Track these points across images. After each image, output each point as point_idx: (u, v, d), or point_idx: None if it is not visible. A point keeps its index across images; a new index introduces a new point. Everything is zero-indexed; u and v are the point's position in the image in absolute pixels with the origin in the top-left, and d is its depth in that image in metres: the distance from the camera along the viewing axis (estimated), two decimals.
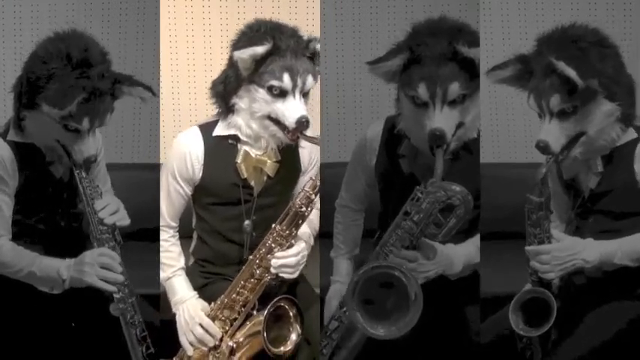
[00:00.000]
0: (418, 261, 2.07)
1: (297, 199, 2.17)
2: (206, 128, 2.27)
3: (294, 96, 2.15)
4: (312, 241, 2.34)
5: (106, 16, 3.43)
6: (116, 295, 2.07)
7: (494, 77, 2.09)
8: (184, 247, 2.39)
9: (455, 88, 2.04)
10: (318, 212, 2.41)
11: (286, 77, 2.13)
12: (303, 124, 2.11)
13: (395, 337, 1.98)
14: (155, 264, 2.34)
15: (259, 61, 2.14)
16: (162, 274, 2.33)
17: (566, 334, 2.07)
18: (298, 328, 2.19)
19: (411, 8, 3.44)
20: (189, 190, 2.29)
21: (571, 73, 1.94)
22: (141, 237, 2.61)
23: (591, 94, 1.99)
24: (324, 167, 2.38)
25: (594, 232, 2.09)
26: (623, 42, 3.42)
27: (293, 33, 2.18)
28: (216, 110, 2.27)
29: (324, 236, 2.52)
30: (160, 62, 3.19)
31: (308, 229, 2.31)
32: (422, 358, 2.20)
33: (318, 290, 2.45)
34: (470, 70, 2.05)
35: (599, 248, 2.03)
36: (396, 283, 1.99)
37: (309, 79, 2.17)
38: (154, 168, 3.04)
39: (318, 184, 2.16)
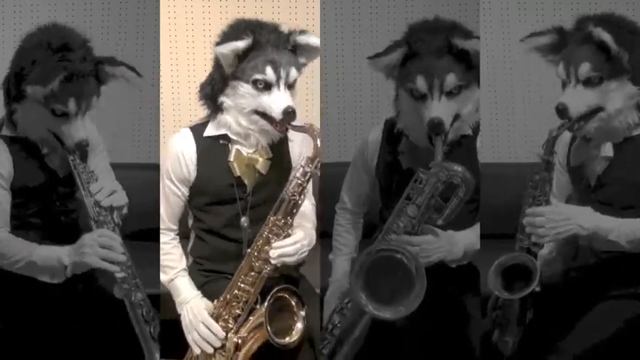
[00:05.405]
0: (421, 246, 2.08)
1: (290, 187, 2.17)
2: (197, 129, 2.29)
3: (278, 88, 2.17)
4: (313, 235, 2.33)
5: (106, 16, 3.43)
6: (119, 275, 2.07)
7: (530, 44, 2.15)
8: (183, 247, 2.40)
9: (452, 79, 2.10)
10: (314, 207, 2.43)
11: (269, 70, 2.16)
12: (289, 114, 2.14)
13: (403, 315, 2.00)
14: (156, 264, 2.34)
15: (241, 57, 2.17)
16: (165, 277, 2.33)
17: (565, 332, 2.07)
18: (302, 315, 2.18)
19: (411, 9, 3.44)
20: (185, 191, 2.31)
21: (606, 37, 2.00)
22: (141, 237, 2.62)
23: (619, 71, 2.04)
24: (324, 167, 2.38)
25: None
26: None
27: (273, 28, 2.21)
28: (206, 112, 2.30)
29: (323, 236, 2.52)
30: (160, 62, 3.20)
31: (307, 222, 2.33)
32: (424, 355, 2.20)
33: (318, 290, 2.45)
34: (466, 61, 2.12)
35: (598, 219, 2.04)
36: (399, 266, 2.01)
37: (293, 70, 2.20)
38: (154, 168, 3.04)
39: (309, 170, 2.16)
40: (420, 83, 2.10)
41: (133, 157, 3.48)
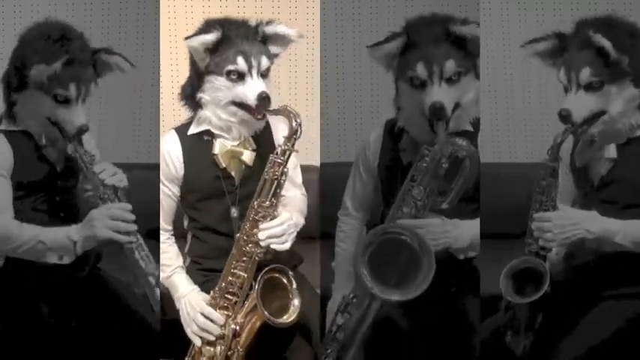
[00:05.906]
0: (426, 228, 2.09)
1: (270, 168, 2.19)
2: (181, 129, 2.36)
3: (251, 77, 2.23)
4: (301, 220, 2.36)
5: (106, 16, 3.43)
6: (127, 246, 2.11)
7: (530, 50, 2.17)
8: (180, 249, 2.42)
9: (451, 66, 2.13)
10: (305, 198, 2.45)
11: (240, 60, 2.22)
12: (264, 99, 2.19)
13: (412, 297, 2.00)
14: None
15: (213, 51, 2.24)
16: (162, 275, 2.34)
17: (565, 333, 2.07)
18: (296, 291, 2.17)
19: (411, 8, 3.44)
20: (176, 191, 2.37)
21: (606, 43, 2.02)
22: (141, 236, 2.61)
23: (619, 74, 2.06)
24: (324, 167, 2.38)
25: None
26: None
27: (242, 22, 2.28)
28: (188, 112, 2.36)
29: (324, 237, 2.51)
30: (160, 62, 3.20)
31: (294, 208, 2.35)
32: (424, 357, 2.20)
33: (318, 291, 2.45)
34: (464, 47, 2.15)
35: (604, 222, 2.06)
36: (405, 248, 2.02)
37: (264, 59, 2.25)
38: (154, 168, 3.04)
39: (286, 148, 2.18)
40: (420, 70, 2.13)
41: (133, 156, 3.48)
